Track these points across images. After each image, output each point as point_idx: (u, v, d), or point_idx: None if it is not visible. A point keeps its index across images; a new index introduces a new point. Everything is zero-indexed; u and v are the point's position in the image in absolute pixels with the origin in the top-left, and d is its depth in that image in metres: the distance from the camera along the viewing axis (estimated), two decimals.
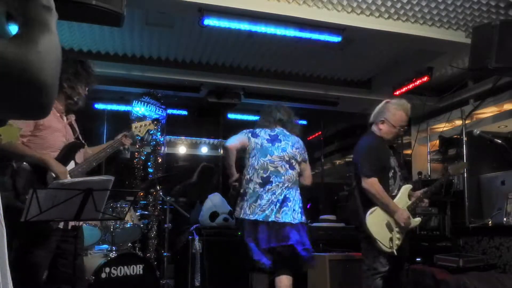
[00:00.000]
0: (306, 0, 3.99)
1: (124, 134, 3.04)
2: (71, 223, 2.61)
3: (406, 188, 3.51)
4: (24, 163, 2.48)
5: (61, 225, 2.54)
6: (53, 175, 2.53)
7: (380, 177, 3.36)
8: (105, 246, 4.02)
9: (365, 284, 3.44)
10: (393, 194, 3.46)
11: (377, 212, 3.39)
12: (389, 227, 3.38)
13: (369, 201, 3.39)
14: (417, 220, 3.53)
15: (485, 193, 5.11)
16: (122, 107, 6.39)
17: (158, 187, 4.94)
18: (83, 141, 2.84)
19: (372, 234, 3.34)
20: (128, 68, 5.44)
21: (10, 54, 0.71)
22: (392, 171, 3.48)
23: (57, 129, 2.63)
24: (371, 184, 3.34)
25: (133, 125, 3.22)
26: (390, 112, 3.47)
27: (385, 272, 3.34)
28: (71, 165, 2.68)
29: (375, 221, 3.35)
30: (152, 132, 5.80)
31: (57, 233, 2.55)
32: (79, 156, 2.77)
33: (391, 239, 3.33)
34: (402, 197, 3.46)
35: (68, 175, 2.62)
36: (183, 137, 8.25)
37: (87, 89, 2.79)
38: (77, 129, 2.86)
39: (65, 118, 2.76)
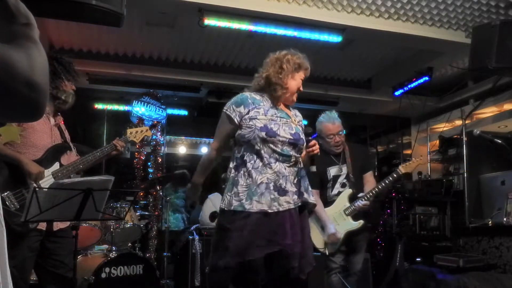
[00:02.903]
0: (306, 0, 4.00)
1: (118, 139, 2.94)
2: (60, 225, 2.59)
3: (345, 193, 3.58)
4: (3, 162, 2.44)
5: (43, 226, 2.45)
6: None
7: (320, 189, 3.54)
8: (105, 246, 4.02)
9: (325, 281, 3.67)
10: (330, 200, 3.60)
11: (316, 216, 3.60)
12: (323, 230, 3.57)
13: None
14: (357, 223, 3.53)
15: (485, 193, 5.10)
16: (122, 107, 6.38)
17: (158, 187, 4.94)
18: (71, 145, 2.78)
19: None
20: (128, 68, 5.44)
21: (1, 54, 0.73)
22: (331, 182, 3.59)
23: (40, 129, 2.59)
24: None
25: (129, 130, 3.09)
26: None
27: (338, 269, 3.52)
28: (56, 166, 2.64)
29: (314, 224, 3.53)
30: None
31: (36, 233, 2.46)
32: (66, 159, 2.71)
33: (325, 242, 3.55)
34: (340, 201, 3.57)
35: (50, 175, 2.57)
36: (183, 137, 8.24)
37: (72, 84, 2.70)
38: (65, 132, 2.81)
39: (52, 119, 2.70)
